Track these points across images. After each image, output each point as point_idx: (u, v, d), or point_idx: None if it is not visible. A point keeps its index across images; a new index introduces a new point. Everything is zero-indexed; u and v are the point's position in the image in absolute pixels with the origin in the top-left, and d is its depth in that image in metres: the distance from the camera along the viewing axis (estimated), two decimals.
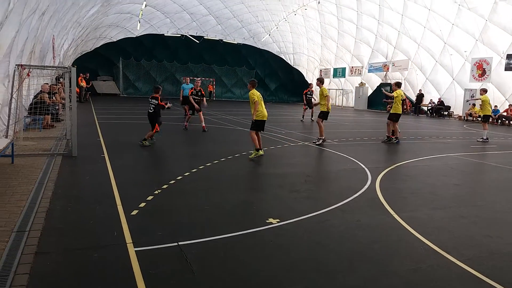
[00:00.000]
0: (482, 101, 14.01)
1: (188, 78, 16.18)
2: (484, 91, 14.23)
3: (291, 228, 4.72)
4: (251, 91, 9.29)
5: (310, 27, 37.92)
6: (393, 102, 13.02)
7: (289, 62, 45.35)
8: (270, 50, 44.23)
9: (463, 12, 24.57)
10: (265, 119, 9.39)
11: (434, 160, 9.98)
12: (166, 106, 10.41)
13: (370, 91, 36.02)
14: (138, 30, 35.98)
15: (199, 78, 14.90)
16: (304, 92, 19.73)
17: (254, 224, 4.74)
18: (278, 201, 5.94)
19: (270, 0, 33.65)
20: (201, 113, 13.68)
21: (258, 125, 9.33)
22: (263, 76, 45.17)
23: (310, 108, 19.17)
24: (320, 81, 12.44)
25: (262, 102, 9.37)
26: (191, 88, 14.09)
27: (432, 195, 6.60)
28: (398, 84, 13.09)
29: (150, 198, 5.62)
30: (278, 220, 4.89)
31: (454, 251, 4.13)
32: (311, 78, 44.14)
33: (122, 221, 4.67)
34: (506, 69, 23.62)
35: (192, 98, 13.47)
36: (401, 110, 13.02)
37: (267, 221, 4.85)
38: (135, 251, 3.87)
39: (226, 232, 4.47)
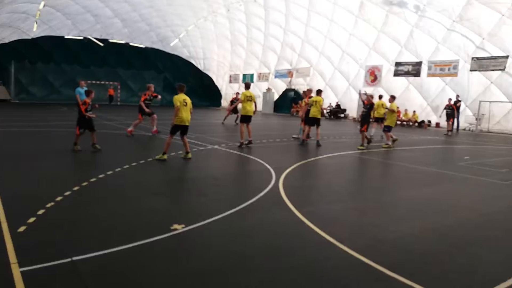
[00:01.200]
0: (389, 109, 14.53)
1: (84, 82, 14.92)
2: (393, 98, 14.49)
3: (196, 233, 4.64)
4: (174, 96, 9.22)
5: (220, 33, 38.22)
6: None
7: (199, 67, 45.15)
8: (179, 55, 43.59)
9: (359, 23, 26.83)
10: (184, 124, 9.27)
11: (331, 159, 10.69)
12: (86, 115, 9.75)
13: (276, 96, 37.45)
14: (35, 31, 32.84)
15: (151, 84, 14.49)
16: (231, 99, 21.62)
17: (158, 232, 4.55)
18: (184, 206, 5.81)
19: (179, 5, 33.20)
20: (154, 116, 14.09)
21: (177, 130, 9.25)
22: (173, 81, 44.32)
23: (235, 113, 19.35)
24: (246, 86, 13.53)
25: (188, 107, 9.27)
26: (144, 95, 13.94)
27: (329, 190, 7.12)
28: (319, 92, 13.74)
29: (41, 212, 5.10)
30: (183, 225, 4.77)
31: (348, 241, 4.42)
32: (221, 83, 44.51)
33: (6, 240, 4.16)
34: (394, 75, 26.39)
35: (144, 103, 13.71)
36: (320, 115, 13.48)
37: (172, 227, 4.71)
38: (21, 271, 3.46)
39: (126, 243, 4.21)
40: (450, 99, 20.41)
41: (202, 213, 5.35)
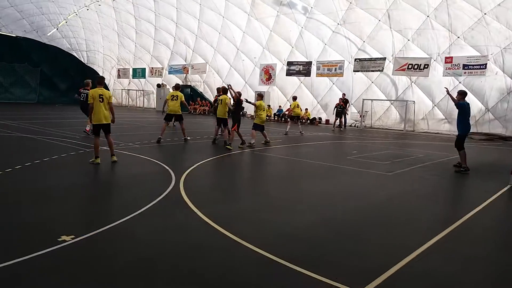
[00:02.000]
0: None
1: None
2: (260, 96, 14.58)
3: (88, 243, 4.05)
4: (91, 90, 8.69)
5: (105, 24, 35.36)
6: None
7: (82, 60, 41.34)
8: (59, 46, 39.29)
9: (252, 22, 27.20)
10: (101, 122, 8.44)
11: (232, 157, 10.60)
12: None
13: None
14: None
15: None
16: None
17: (43, 245, 3.86)
18: (75, 215, 5.08)
19: None
20: None
21: (97, 129, 8.55)
22: (51, 75, 39.87)
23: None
24: (177, 88, 13.62)
25: (105, 103, 8.39)
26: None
27: (230, 189, 7.10)
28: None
29: None
30: (73, 236, 4.14)
31: (251, 238, 4.34)
32: (108, 77, 41.41)
33: None
34: (287, 75, 27.44)
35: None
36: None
37: (60, 239, 4.04)
38: None
39: (5, 259, 3.50)
40: (340, 99, 21.92)
41: (95, 221, 4.78)
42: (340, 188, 7.45)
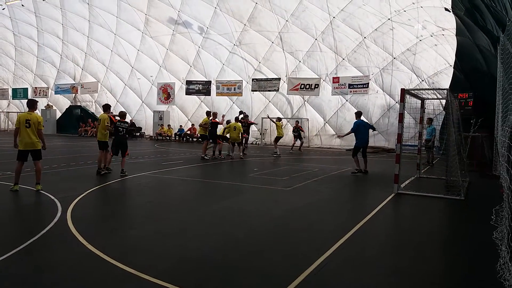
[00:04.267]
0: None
1: None
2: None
3: None
4: (19, 114, 8.18)
5: None
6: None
7: None
8: None
9: (147, 40, 26.27)
10: (27, 148, 7.80)
11: (128, 181, 9.75)
12: None
13: (59, 114, 33.09)
14: None
15: None
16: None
17: None
18: None
19: None
20: None
21: (22, 155, 7.90)
22: None
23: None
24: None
25: (32, 129, 7.72)
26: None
27: (126, 216, 6.44)
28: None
29: None
30: None
31: (150, 268, 3.93)
32: None
33: None
34: (187, 93, 26.95)
35: None
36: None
37: None
38: None
39: None
40: (297, 121, 21.62)
41: None
42: (241, 206, 7.28)
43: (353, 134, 11.82)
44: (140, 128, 29.26)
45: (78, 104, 32.06)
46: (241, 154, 15.74)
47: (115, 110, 29.62)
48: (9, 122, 36.56)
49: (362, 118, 12.99)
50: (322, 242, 4.91)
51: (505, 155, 5.28)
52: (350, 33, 20.55)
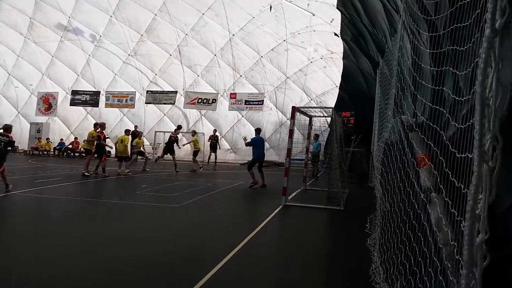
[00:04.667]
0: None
1: None
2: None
3: None
4: None
5: None
6: None
7: None
8: None
9: (29, 45, 23.58)
10: None
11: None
12: None
13: None
14: None
15: None
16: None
17: None
18: None
19: None
20: None
21: None
22: None
23: None
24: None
25: None
26: None
27: None
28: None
29: None
30: None
31: None
32: None
33: None
34: (71, 104, 24.68)
35: None
36: None
37: None
38: None
39: None
40: (215, 130, 20.89)
41: None
42: (125, 227, 6.49)
43: (250, 148, 12.11)
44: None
45: None
46: (126, 170, 14.59)
47: None
48: None
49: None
50: (211, 259, 4.67)
51: (379, 168, 5.69)
52: (248, 51, 20.99)
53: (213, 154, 20.29)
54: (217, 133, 21.38)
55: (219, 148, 20.98)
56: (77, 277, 4.10)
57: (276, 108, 21.82)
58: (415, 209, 3.06)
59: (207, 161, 19.81)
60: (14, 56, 24.52)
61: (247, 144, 12.24)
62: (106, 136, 14.51)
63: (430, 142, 2.98)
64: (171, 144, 16.36)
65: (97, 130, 14.05)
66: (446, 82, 3.64)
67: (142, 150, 17.06)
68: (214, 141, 19.80)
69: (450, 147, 2.10)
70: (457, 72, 2.85)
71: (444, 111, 3.03)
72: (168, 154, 16.36)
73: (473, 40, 1.93)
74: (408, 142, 3.90)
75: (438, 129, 2.59)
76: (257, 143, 11.92)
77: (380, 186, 5.03)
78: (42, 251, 5.00)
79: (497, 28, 1.22)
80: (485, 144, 1.25)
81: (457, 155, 1.79)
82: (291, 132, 9.13)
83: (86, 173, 13.34)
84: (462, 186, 1.73)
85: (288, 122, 12.51)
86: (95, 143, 13.86)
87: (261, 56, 20.95)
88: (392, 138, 5.13)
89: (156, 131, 23.03)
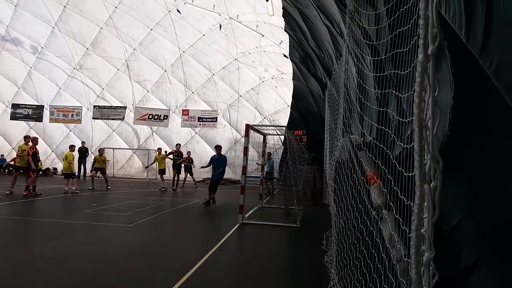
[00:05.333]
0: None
1: None
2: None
3: None
4: None
5: None
6: None
7: None
8: None
9: None
10: None
11: None
12: None
13: None
14: None
15: None
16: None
17: None
18: None
19: None
20: None
21: None
22: None
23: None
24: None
25: None
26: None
27: None
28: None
29: None
30: None
31: None
32: None
33: None
34: (12, 118, 23.21)
35: None
36: None
37: None
38: None
39: None
40: (188, 152, 18.64)
41: None
42: (74, 247, 6.26)
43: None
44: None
45: None
46: (73, 188, 13.86)
47: None
48: None
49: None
50: (165, 282, 4.57)
51: (332, 185, 5.86)
52: (199, 69, 21.00)
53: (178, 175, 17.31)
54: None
55: (192, 168, 18.21)
56: None
57: (230, 125, 21.89)
58: (367, 225, 3.08)
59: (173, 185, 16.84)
60: None
61: (207, 165, 12.51)
62: (37, 153, 13.42)
63: (378, 160, 3.00)
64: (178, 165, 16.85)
65: (28, 144, 13.02)
66: (390, 104, 3.84)
67: (103, 167, 16.25)
68: (177, 158, 17.08)
69: (397, 166, 2.14)
70: (399, 95, 3.03)
71: (390, 132, 3.10)
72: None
73: (412, 65, 2.02)
74: (358, 160, 4.04)
75: (384, 148, 2.66)
76: (213, 162, 11.86)
77: (334, 203, 5.19)
78: None
79: (430, 54, 1.27)
80: (425, 165, 1.27)
81: (404, 173, 1.86)
82: (245, 150, 9.21)
83: (8, 192, 12.40)
84: (412, 204, 1.80)
85: (243, 139, 12.55)
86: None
87: (213, 74, 21.03)
88: (342, 156, 5.28)
89: (104, 148, 22.16)
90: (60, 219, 8.87)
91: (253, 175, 12.98)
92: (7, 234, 7.21)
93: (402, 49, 2.29)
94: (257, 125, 11.11)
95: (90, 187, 15.52)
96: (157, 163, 16.93)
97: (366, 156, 3.84)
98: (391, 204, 2.44)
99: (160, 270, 5.13)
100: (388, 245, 2.60)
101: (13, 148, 23.51)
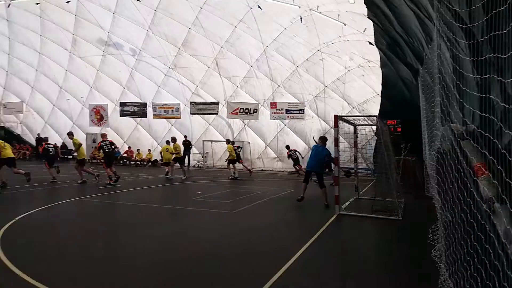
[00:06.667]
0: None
1: None
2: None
3: None
4: None
5: None
6: None
7: None
8: None
9: (75, 60, 25.03)
10: None
11: (63, 206, 9.35)
12: None
13: None
14: None
15: None
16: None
17: None
18: None
19: None
20: None
21: None
22: None
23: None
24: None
25: None
26: None
27: (61, 243, 6.07)
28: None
29: None
30: None
31: None
32: None
33: None
34: (121, 115, 25.94)
35: None
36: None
37: None
38: None
39: None
40: (287, 146, 21.12)
41: None
42: (185, 230, 7.17)
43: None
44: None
45: (1, 125, 29.54)
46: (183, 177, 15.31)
47: (43, 132, 27.57)
48: None
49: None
50: (267, 268, 4.85)
51: (434, 177, 5.65)
52: (283, 62, 21.32)
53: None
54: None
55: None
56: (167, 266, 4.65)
57: (318, 116, 21.98)
58: (478, 219, 2.91)
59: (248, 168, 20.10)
60: (63, 70, 26.02)
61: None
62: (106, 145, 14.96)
63: (485, 150, 2.82)
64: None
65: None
66: (493, 89, 3.62)
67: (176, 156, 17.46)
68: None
69: (507, 155, 2.05)
70: (503, 80, 2.71)
71: (495, 119, 2.88)
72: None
73: None
74: (461, 150, 3.87)
75: (491, 137, 2.49)
76: (311, 151, 11.00)
77: (439, 196, 5.00)
78: (116, 249, 5.68)
79: None
80: None
81: None
82: (336, 141, 9.26)
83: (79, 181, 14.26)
84: None
85: (332, 130, 12.58)
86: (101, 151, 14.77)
87: (297, 66, 21.20)
88: (443, 146, 5.09)
89: (203, 140, 23.87)
90: (171, 205, 10.01)
91: (346, 166, 12.91)
92: (130, 218, 8.36)
93: (501, 31, 2.16)
94: (346, 116, 11.03)
95: (183, 177, 16.59)
96: (230, 154, 18.17)
97: (471, 145, 3.50)
98: (503, 196, 2.32)
99: (261, 256, 5.49)
100: (504, 241, 2.43)
101: (124, 142, 26.39)
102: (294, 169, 20.21)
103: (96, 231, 7.02)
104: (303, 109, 22.14)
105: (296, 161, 20.19)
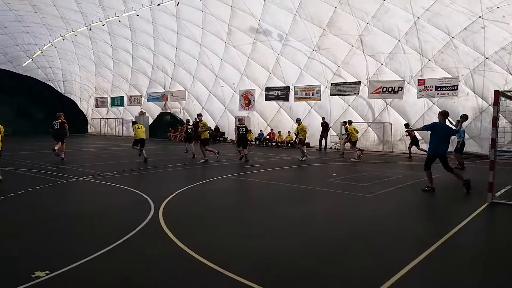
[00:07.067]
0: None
1: None
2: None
3: (64, 279, 3.90)
4: None
5: (82, 54, 35.31)
6: None
7: (59, 90, 40.90)
8: (34, 76, 38.84)
9: (229, 49, 27.53)
10: None
11: (213, 183, 10.52)
12: None
13: (151, 120, 36.07)
14: None
15: None
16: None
17: (15, 282, 3.69)
18: (48, 249, 4.87)
19: (31, 22, 29.66)
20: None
21: None
22: (27, 106, 39.21)
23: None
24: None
25: None
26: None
27: (213, 216, 6.90)
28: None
29: None
30: (47, 272, 3.97)
31: (235, 267, 4.24)
32: (86, 107, 41.26)
33: None
34: (266, 99, 27.71)
35: None
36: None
37: (34, 275, 3.88)
38: None
39: None
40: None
41: (70, 255, 4.54)
42: (321, 211, 7.47)
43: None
44: (223, 133, 30.77)
45: (168, 111, 34.62)
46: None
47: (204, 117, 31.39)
48: (108, 128, 40.63)
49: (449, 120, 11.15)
50: (403, 254, 4.78)
51: None
52: (436, 33, 19.55)
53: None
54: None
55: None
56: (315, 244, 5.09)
57: (474, 93, 19.65)
58: None
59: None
60: (218, 59, 28.92)
61: (418, 129, 11.00)
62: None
63: None
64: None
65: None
66: None
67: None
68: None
69: None
70: None
71: None
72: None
73: None
74: None
75: None
76: (434, 130, 9.20)
77: None
78: (260, 226, 6.31)
79: None
80: None
81: None
82: (494, 120, 8.32)
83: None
84: None
85: (491, 108, 11.20)
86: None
87: (452, 37, 19.17)
88: None
89: (341, 122, 23.83)
90: (308, 186, 10.41)
91: (505, 149, 11.35)
92: (270, 196, 9.04)
93: None
94: (509, 91, 9.72)
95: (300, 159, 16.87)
96: (352, 136, 17.84)
97: None
98: None
99: (398, 242, 5.38)
100: None
101: (268, 125, 28.19)
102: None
103: (242, 208, 7.93)
104: (457, 85, 20.04)
105: (415, 142, 18.90)
